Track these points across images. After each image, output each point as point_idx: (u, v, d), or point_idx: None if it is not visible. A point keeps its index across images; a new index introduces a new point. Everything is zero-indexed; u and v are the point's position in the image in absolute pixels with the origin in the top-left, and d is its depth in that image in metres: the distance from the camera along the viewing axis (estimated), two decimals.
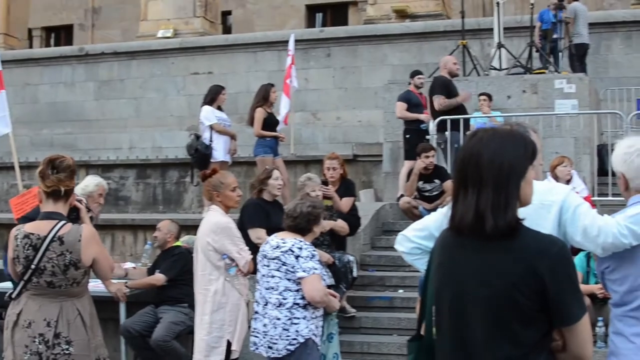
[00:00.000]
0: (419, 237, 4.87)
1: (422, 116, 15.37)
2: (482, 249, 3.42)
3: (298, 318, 7.24)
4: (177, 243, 11.12)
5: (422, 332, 3.86)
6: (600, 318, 10.24)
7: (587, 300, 10.26)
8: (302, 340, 7.22)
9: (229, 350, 8.43)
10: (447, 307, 3.53)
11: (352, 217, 11.88)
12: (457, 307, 3.47)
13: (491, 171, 3.41)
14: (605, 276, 5.03)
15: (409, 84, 16.12)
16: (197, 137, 14.55)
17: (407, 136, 15.39)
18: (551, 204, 4.66)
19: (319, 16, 32.07)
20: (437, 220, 4.79)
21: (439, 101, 14.71)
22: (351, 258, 11.10)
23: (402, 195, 14.02)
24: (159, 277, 10.62)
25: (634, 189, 4.94)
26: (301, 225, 7.49)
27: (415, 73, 16.16)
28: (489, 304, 3.37)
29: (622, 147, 4.95)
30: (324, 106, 23.08)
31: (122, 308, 10.39)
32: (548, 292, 3.35)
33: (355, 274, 11.09)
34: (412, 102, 15.64)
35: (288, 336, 7.21)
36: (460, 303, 3.46)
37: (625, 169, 4.92)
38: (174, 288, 10.50)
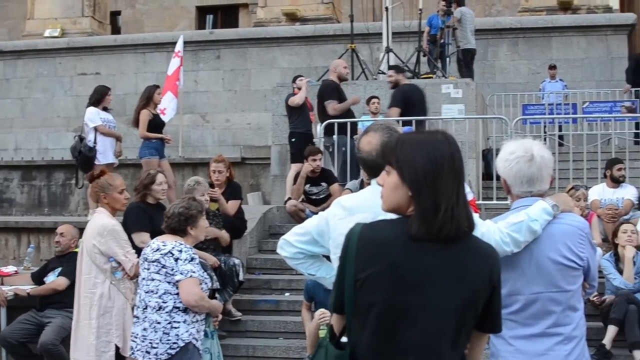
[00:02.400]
0: (301, 241, 4.83)
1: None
2: (446, 251, 3.31)
3: (178, 322, 7.15)
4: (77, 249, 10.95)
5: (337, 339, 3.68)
6: None
7: None
8: (182, 344, 7.12)
9: (118, 355, 8.30)
10: (398, 311, 3.30)
11: (238, 220, 11.87)
12: (410, 310, 3.29)
13: (460, 171, 3.37)
14: None
15: (293, 87, 16.08)
16: (81, 139, 14.31)
17: (293, 140, 15.34)
18: None
19: (209, 18, 31.91)
20: (318, 224, 4.76)
21: (333, 106, 14.70)
22: (237, 261, 11.05)
23: (289, 199, 14.00)
24: (60, 282, 10.38)
25: (515, 195, 4.99)
26: (172, 225, 7.39)
27: (297, 77, 16.17)
28: (454, 306, 3.27)
29: (504, 152, 4.97)
30: (213, 108, 23.02)
31: (3, 313, 10.16)
32: (494, 298, 3.37)
33: (241, 277, 11.06)
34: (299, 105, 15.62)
35: (168, 340, 7.11)
36: (420, 306, 3.29)
37: (505, 174, 4.96)
38: (62, 291, 10.28)
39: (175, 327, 7.15)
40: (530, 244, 4.73)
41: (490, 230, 4.67)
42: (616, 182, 12.67)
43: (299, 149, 14.53)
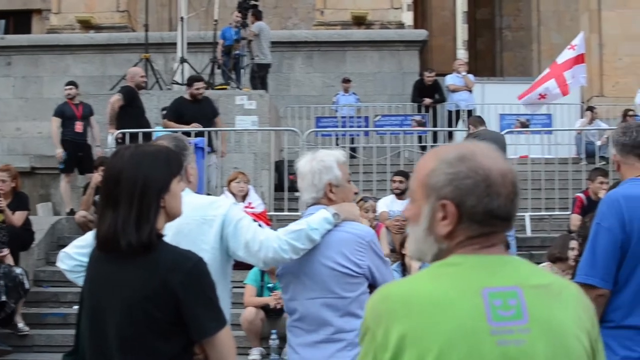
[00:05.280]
0: (81, 254, 4.76)
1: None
2: (120, 263, 3.49)
3: None
4: None
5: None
6: (273, 330, 10.44)
7: (261, 314, 10.47)
8: None
9: None
10: (89, 320, 3.60)
11: (24, 232, 11.62)
12: (97, 320, 3.54)
13: (127, 188, 3.48)
14: (279, 283, 5.21)
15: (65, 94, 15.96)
16: None
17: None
18: (213, 218, 4.72)
19: (0, 23, 31.00)
20: None
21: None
22: (19, 270, 10.94)
23: (72, 210, 13.85)
24: None
25: (305, 203, 5.11)
26: None
27: (68, 84, 16.04)
28: (124, 317, 3.44)
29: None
30: (3, 116, 22.29)
31: None
32: (181, 306, 3.42)
33: (27, 285, 10.91)
34: (66, 115, 15.59)
35: None
36: (100, 317, 3.51)
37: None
38: None
39: None
40: (308, 251, 4.81)
41: (269, 238, 4.77)
42: (394, 193, 13.04)
43: (67, 159, 14.84)
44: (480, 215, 2.40)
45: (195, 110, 15.06)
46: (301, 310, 4.92)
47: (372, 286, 4.96)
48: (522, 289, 2.36)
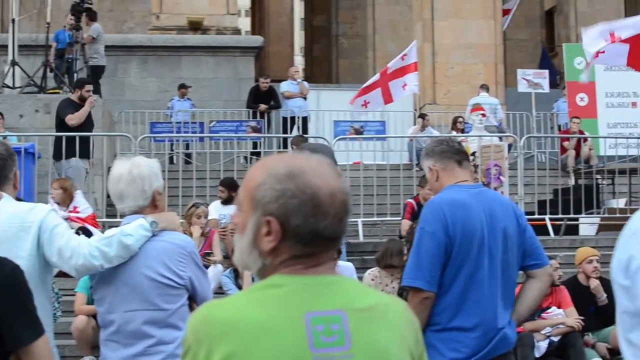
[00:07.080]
0: None
1: None
2: None
3: None
4: None
5: None
6: None
7: (92, 322, 10.30)
8: None
9: None
10: None
11: None
12: None
13: None
14: (93, 296, 5.10)
15: None
16: None
17: None
18: (31, 225, 4.62)
19: None
20: None
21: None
22: None
23: None
24: None
25: (120, 211, 5.05)
26: None
27: None
28: None
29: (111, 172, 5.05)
30: None
31: None
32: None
33: None
34: None
35: None
36: None
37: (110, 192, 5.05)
38: None
39: None
40: (127, 261, 4.75)
41: (81, 244, 4.69)
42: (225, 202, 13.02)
43: None
44: (305, 235, 2.37)
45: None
46: (119, 323, 4.81)
47: (192, 298, 4.96)
48: (346, 313, 2.34)
